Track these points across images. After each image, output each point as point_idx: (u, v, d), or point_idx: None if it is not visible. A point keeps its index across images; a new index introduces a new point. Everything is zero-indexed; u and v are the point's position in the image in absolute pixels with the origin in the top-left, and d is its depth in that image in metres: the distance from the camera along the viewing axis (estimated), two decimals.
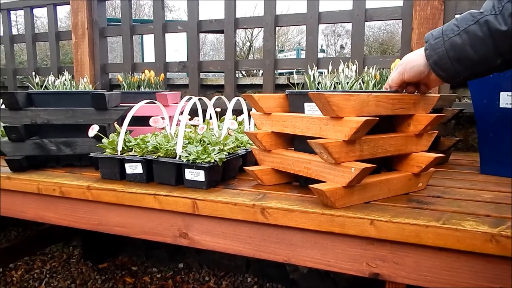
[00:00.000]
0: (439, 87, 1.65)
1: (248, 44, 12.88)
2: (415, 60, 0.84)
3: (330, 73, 1.07)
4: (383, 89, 0.96)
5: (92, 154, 1.16)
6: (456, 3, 1.59)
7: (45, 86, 1.47)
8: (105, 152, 1.17)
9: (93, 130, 1.20)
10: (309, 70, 1.04)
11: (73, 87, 1.49)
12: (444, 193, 0.98)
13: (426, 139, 0.98)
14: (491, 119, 1.17)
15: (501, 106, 1.14)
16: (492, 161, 1.19)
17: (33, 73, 1.73)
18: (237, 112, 1.45)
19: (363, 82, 1.05)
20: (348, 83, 0.99)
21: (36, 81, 1.48)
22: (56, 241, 2.35)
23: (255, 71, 2.32)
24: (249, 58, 12.46)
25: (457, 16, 0.82)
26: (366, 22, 1.77)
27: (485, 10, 0.73)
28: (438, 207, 0.86)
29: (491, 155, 1.20)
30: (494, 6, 0.72)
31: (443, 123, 1.34)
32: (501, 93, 1.13)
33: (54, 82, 1.47)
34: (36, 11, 2.68)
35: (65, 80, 1.48)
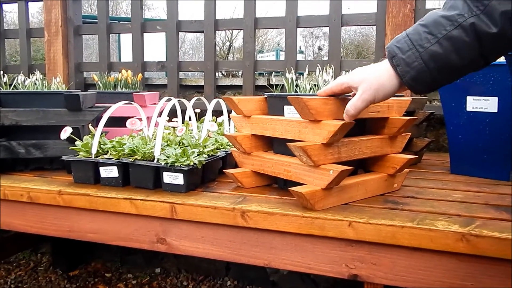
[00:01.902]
0: (412, 92, 1.71)
1: (228, 43, 12.85)
2: (386, 84, 0.73)
3: (309, 74, 1.08)
4: (345, 117, 0.82)
5: (64, 157, 1.12)
6: (425, 11, 1.65)
7: (14, 86, 1.42)
8: (78, 155, 1.13)
9: (66, 132, 1.16)
10: (287, 74, 1.05)
11: (45, 87, 1.44)
12: (418, 193, 1.01)
13: (400, 141, 1.01)
14: (459, 122, 1.22)
15: (468, 109, 1.19)
16: (461, 161, 1.24)
17: (1, 72, 1.66)
18: (217, 113, 1.44)
19: None
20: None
21: (4, 80, 1.42)
22: (22, 249, 2.21)
23: (235, 71, 2.32)
24: (229, 58, 12.42)
25: (418, 22, 0.72)
26: (342, 27, 1.81)
27: (463, 12, 0.65)
28: (413, 207, 0.88)
29: (460, 156, 1.24)
30: (470, 6, 0.65)
31: (416, 125, 1.38)
32: (468, 97, 1.18)
33: (24, 81, 1.42)
34: (5, 6, 2.57)
35: (36, 79, 1.43)
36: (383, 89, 0.73)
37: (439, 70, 0.69)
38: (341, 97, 0.85)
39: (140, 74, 1.85)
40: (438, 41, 0.66)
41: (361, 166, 1.02)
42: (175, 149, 1.03)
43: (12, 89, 1.41)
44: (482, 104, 1.16)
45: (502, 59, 0.96)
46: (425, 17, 0.71)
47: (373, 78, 0.74)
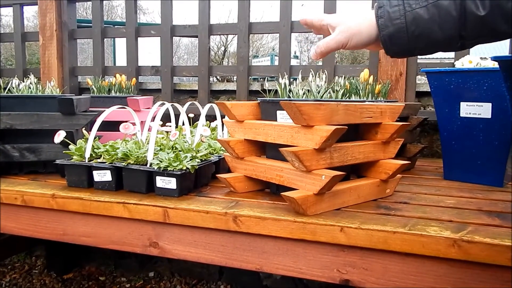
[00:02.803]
0: (405, 97, 1.72)
1: (223, 48, 12.88)
2: (364, 32, 0.70)
3: (303, 80, 1.09)
4: (312, 54, 0.78)
5: (58, 161, 1.12)
6: None
7: (9, 90, 1.41)
8: (72, 159, 1.13)
9: (60, 136, 1.16)
10: (281, 79, 1.05)
11: (39, 91, 1.43)
12: (411, 199, 1.01)
13: (393, 146, 1.02)
14: (453, 128, 1.23)
15: (461, 115, 1.20)
16: (454, 167, 1.25)
17: None
18: (211, 117, 1.44)
19: (334, 91, 1.07)
20: (319, 92, 1.01)
21: None
22: (17, 251, 2.22)
23: (229, 76, 2.32)
24: (224, 63, 12.45)
25: None
26: None
27: None
28: (405, 213, 0.89)
29: (454, 161, 1.25)
30: None
31: (409, 130, 1.39)
32: (461, 103, 1.19)
33: (19, 85, 1.41)
34: (1, 9, 2.57)
35: (31, 83, 1.43)
36: (359, 35, 0.70)
37: (417, 35, 0.66)
38: (333, 104, 0.86)
39: (134, 79, 1.85)
40: (427, 6, 0.64)
41: (354, 171, 1.02)
42: (168, 153, 1.03)
43: (7, 92, 1.40)
44: (475, 110, 1.17)
45: (496, 65, 0.97)
46: None
47: (352, 22, 0.71)
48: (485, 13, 0.61)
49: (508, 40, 2.14)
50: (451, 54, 1.70)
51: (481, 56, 1.28)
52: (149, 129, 1.17)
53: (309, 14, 0.79)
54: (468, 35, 0.65)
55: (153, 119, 1.16)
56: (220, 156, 1.18)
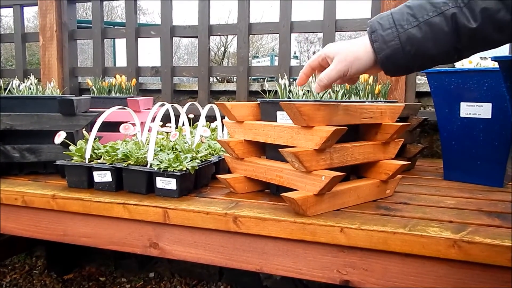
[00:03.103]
0: (405, 97, 1.72)
1: (222, 49, 12.87)
2: (362, 57, 0.72)
3: None
4: (316, 87, 0.82)
5: (58, 162, 1.12)
6: None
7: (9, 90, 1.41)
8: (72, 159, 1.13)
9: (60, 137, 1.16)
10: (280, 79, 1.06)
11: (39, 92, 1.44)
12: (411, 199, 1.01)
13: (393, 147, 1.02)
14: (453, 128, 1.23)
15: (461, 115, 1.20)
16: (454, 167, 1.25)
17: None
18: (211, 118, 1.44)
19: (333, 92, 1.07)
20: (319, 92, 1.01)
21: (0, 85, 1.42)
22: (17, 252, 2.22)
23: (229, 76, 2.32)
24: (224, 63, 12.44)
25: (405, 3, 0.70)
26: (336, 32, 1.82)
27: (448, 1, 0.65)
28: (405, 213, 0.89)
29: (454, 162, 1.25)
30: None
31: (409, 131, 1.39)
32: (461, 103, 1.19)
33: (19, 86, 1.42)
34: (1, 10, 2.57)
35: (31, 84, 1.43)
36: (358, 62, 0.73)
37: (413, 54, 0.68)
38: (333, 104, 0.86)
39: (134, 79, 1.85)
40: (419, 25, 0.66)
41: (354, 172, 1.02)
42: (168, 154, 1.03)
43: (7, 93, 1.40)
44: (475, 110, 1.17)
45: (496, 65, 0.97)
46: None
47: (349, 51, 0.73)
48: (477, 25, 0.63)
49: None
50: None
51: (481, 56, 1.28)
52: (149, 130, 1.17)
53: (307, 63, 0.82)
54: (463, 47, 0.67)
55: (153, 119, 1.17)
56: (220, 157, 1.18)
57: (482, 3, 0.63)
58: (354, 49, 0.73)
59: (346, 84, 1.12)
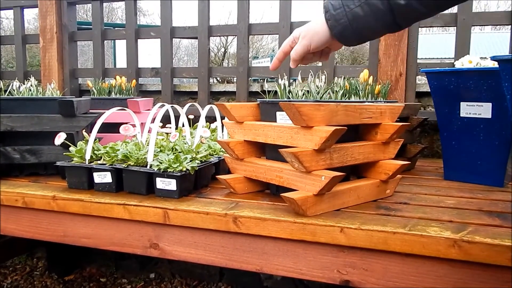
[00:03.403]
0: (405, 97, 1.72)
1: (222, 50, 12.88)
2: (319, 31, 0.84)
3: (302, 81, 1.09)
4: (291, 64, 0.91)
5: (58, 163, 1.12)
6: None
7: (10, 92, 1.42)
8: (72, 160, 1.13)
9: (60, 138, 1.16)
10: (280, 80, 1.06)
11: (40, 93, 1.44)
12: (411, 199, 1.01)
13: (393, 147, 1.02)
14: (453, 128, 1.22)
15: (461, 115, 1.20)
16: (454, 167, 1.25)
17: None
18: (211, 119, 1.44)
19: (333, 92, 1.07)
20: (318, 92, 1.01)
21: (0, 86, 1.42)
22: (18, 253, 2.22)
23: (229, 77, 2.33)
24: (224, 64, 12.44)
25: None
26: None
27: None
28: (405, 213, 0.89)
29: (454, 162, 1.25)
30: None
31: (409, 131, 1.39)
32: (461, 103, 1.19)
33: (19, 87, 1.42)
34: (1, 12, 2.58)
35: (31, 85, 1.43)
36: (317, 35, 0.85)
37: (360, 29, 0.80)
38: (333, 104, 0.86)
39: (134, 80, 1.86)
40: (361, 5, 0.78)
41: (354, 172, 1.02)
42: (168, 155, 1.03)
43: (7, 95, 1.41)
44: (476, 110, 1.17)
45: (495, 65, 0.97)
46: None
47: (310, 28, 0.86)
48: (405, 2, 0.75)
49: (508, 40, 2.14)
50: (451, 54, 1.70)
51: (481, 56, 1.28)
52: (149, 131, 1.17)
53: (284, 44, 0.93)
54: (399, 20, 0.79)
55: (153, 120, 1.17)
56: (220, 157, 1.18)
57: None
58: (313, 25, 0.86)
59: (346, 84, 1.12)
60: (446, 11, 0.90)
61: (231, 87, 2.10)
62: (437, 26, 1.81)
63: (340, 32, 0.81)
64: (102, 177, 1.06)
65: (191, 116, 1.51)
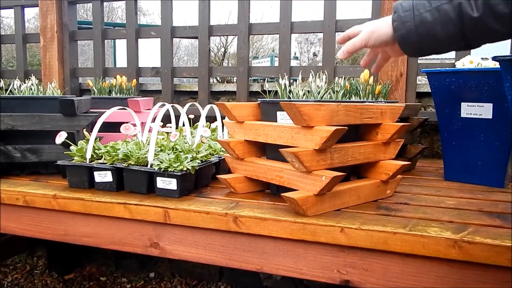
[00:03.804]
0: (406, 97, 1.72)
1: (223, 49, 12.88)
2: (382, 28, 0.82)
3: (303, 80, 1.09)
4: (340, 54, 0.91)
5: (59, 162, 1.12)
6: None
7: (10, 91, 1.42)
8: (73, 159, 1.13)
9: (61, 137, 1.16)
10: (281, 80, 1.06)
11: (40, 92, 1.44)
12: (411, 199, 1.01)
13: (393, 147, 1.02)
14: (454, 128, 1.22)
15: (462, 115, 1.20)
16: (455, 168, 1.25)
17: None
18: (211, 118, 1.44)
19: (334, 92, 1.07)
20: (319, 92, 1.01)
21: (1, 85, 1.42)
22: (19, 252, 2.23)
23: (229, 77, 2.33)
24: (224, 64, 12.43)
25: None
26: (337, 33, 1.82)
27: None
28: (405, 213, 0.89)
29: (454, 162, 1.25)
30: None
31: (409, 131, 1.39)
32: (462, 104, 1.19)
33: (20, 86, 1.42)
34: (2, 12, 2.58)
35: (32, 84, 1.43)
36: (378, 32, 0.82)
37: (425, 36, 0.76)
38: (333, 104, 0.86)
39: (134, 80, 1.86)
40: (431, 10, 0.74)
41: (354, 172, 1.02)
42: (168, 154, 1.03)
43: (8, 94, 1.41)
44: (476, 110, 1.17)
45: (497, 65, 0.97)
46: None
47: (373, 24, 0.85)
48: (479, 15, 0.70)
49: (509, 40, 2.14)
50: (452, 55, 1.70)
51: (482, 57, 1.28)
52: (150, 130, 1.17)
53: (349, 30, 0.92)
54: (469, 35, 0.74)
55: (153, 120, 1.17)
56: (221, 157, 1.18)
57: None
58: (377, 23, 0.84)
59: (346, 84, 1.12)
60: None
61: (231, 87, 2.11)
62: None
63: (403, 35, 0.77)
64: (103, 176, 1.06)
65: (192, 116, 1.51)
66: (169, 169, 0.98)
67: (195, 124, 1.48)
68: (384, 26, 0.81)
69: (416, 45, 0.78)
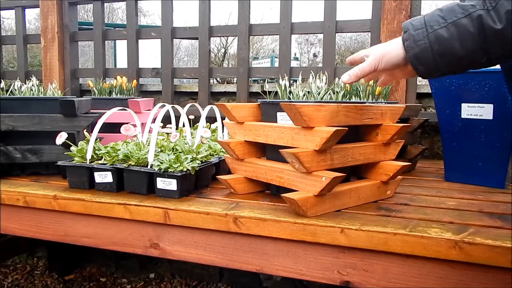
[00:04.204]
0: (406, 98, 1.72)
1: (223, 50, 12.89)
2: (392, 51, 0.77)
3: (303, 81, 1.09)
4: (346, 79, 0.86)
5: (59, 163, 1.12)
6: None
7: (11, 92, 1.42)
8: (73, 160, 1.13)
9: (61, 138, 1.16)
10: (281, 80, 1.06)
11: (41, 93, 1.44)
12: (411, 200, 1.01)
13: (393, 148, 1.02)
14: (454, 129, 1.22)
15: (462, 116, 1.20)
16: (455, 169, 1.25)
17: None
18: (211, 119, 1.44)
19: (334, 93, 1.07)
20: (319, 93, 1.01)
21: (1, 86, 1.42)
22: (19, 252, 2.23)
23: (230, 78, 2.33)
24: (224, 64, 12.44)
25: (439, 6, 0.74)
26: (337, 33, 1.82)
27: (476, 4, 0.68)
28: (406, 214, 0.88)
29: (455, 163, 1.25)
30: (485, 1, 0.67)
31: (410, 132, 1.38)
32: (463, 104, 1.19)
33: (21, 87, 1.42)
34: (2, 13, 2.58)
35: (32, 85, 1.43)
36: (388, 55, 0.77)
37: (441, 55, 0.71)
38: (333, 105, 0.86)
39: (134, 81, 1.86)
40: (447, 26, 0.69)
41: (354, 172, 1.02)
42: (168, 155, 1.03)
43: (9, 95, 1.41)
44: (477, 111, 1.17)
45: (497, 66, 0.97)
46: (446, 4, 0.73)
47: (382, 47, 0.80)
48: (502, 26, 0.65)
49: None
50: None
51: None
52: (150, 131, 1.17)
53: (355, 54, 0.89)
54: (490, 49, 0.68)
55: (153, 120, 1.17)
56: (221, 158, 1.18)
57: (507, 5, 0.65)
58: (387, 45, 0.79)
59: (346, 85, 1.12)
60: None
61: (231, 88, 2.11)
62: None
63: (416, 55, 0.72)
64: (103, 177, 1.06)
65: (192, 117, 1.51)
66: (169, 170, 0.98)
67: (195, 125, 1.48)
68: (394, 48, 0.76)
69: (431, 64, 0.72)
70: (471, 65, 0.73)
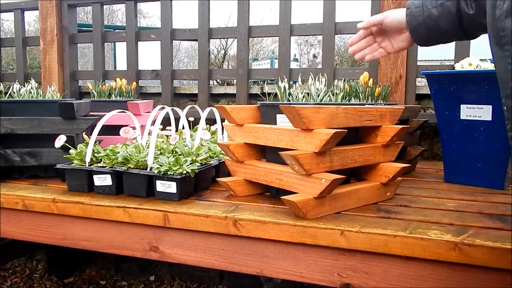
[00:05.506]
0: (405, 99, 1.72)
1: (222, 52, 12.89)
2: (399, 15, 0.94)
3: (303, 83, 1.09)
4: (359, 25, 0.99)
5: (58, 166, 1.12)
6: None
7: (10, 94, 1.42)
8: (72, 163, 1.13)
9: (60, 141, 1.16)
10: (280, 82, 1.06)
11: (40, 95, 1.44)
12: (411, 202, 1.01)
13: (393, 149, 1.02)
14: (453, 130, 1.22)
15: (462, 117, 1.20)
16: (455, 170, 1.25)
17: None
18: (211, 121, 1.44)
19: (333, 94, 1.07)
20: (319, 95, 1.01)
21: (0, 89, 1.42)
22: (18, 255, 2.22)
23: (229, 79, 2.33)
24: (224, 66, 12.44)
25: None
26: (336, 35, 1.82)
27: None
28: (405, 216, 0.88)
29: (454, 164, 1.25)
30: None
31: (409, 133, 1.38)
32: (462, 106, 1.19)
33: (20, 90, 1.42)
34: (2, 15, 2.59)
35: (32, 88, 1.43)
36: (394, 14, 0.94)
37: (431, 28, 0.89)
38: (333, 107, 0.86)
39: (134, 83, 1.86)
40: (436, 6, 0.87)
41: (354, 174, 1.02)
42: (168, 157, 1.03)
43: (8, 97, 1.41)
44: (476, 112, 1.17)
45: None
46: None
47: (393, 10, 0.96)
48: (473, 12, 0.82)
49: None
50: (451, 56, 1.70)
51: (481, 58, 1.28)
52: (149, 133, 1.17)
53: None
54: (467, 27, 0.86)
55: (153, 123, 1.17)
56: (220, 160, 1.18)
57: None
58: (397, 11, 0.95)
59: (346, 87, 1.12)
60: None
61: (231, 89, 2.11)
62: None
63: (414, 27, 0.90)
64: (102, 180, 1.06)
65: (191, 119, 1.51)
66: (169, 172, 0.98)
67: (194, 127, 1.48)
68: (400, 14, 0.93)
69: (424, 35, 0.90)
70: (454, 38, 0.91)
